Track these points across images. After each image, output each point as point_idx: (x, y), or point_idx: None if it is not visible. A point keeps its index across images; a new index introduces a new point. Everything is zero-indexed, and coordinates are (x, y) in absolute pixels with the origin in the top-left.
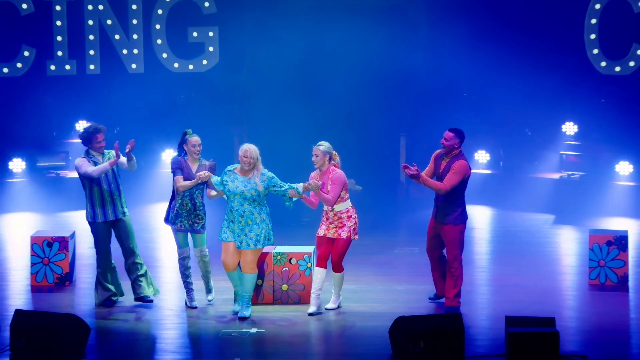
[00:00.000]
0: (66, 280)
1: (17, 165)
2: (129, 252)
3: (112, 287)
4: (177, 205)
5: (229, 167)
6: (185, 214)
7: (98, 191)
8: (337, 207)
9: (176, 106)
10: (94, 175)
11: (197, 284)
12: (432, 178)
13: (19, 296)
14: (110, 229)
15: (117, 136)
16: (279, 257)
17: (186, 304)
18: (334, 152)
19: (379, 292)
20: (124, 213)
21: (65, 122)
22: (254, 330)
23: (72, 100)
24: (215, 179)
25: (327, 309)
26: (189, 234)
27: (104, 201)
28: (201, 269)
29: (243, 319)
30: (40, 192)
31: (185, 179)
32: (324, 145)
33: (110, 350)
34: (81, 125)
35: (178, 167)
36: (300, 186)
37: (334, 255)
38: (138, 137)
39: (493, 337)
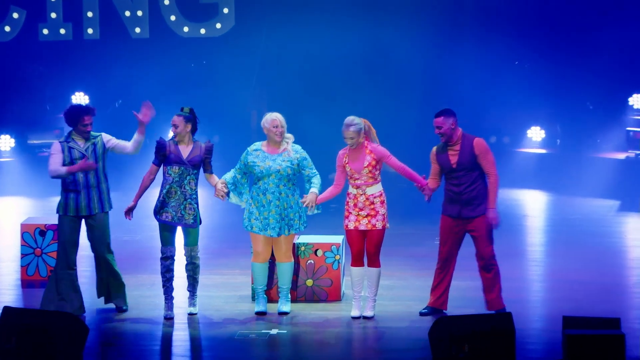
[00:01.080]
0: None
1: (5, 143)
2: (99, 258)
3: (64, 298)
4: (164, 192)
5: (253, 147)
6: (173, 204)
7: (71, 179)
8: (370, 190)
9: (186, 76)
10: (50, 174)
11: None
12: (440, 178)
13: (8, 292)
14: (79, 226)
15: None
16: (302, 248)
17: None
18: (363, 121)
19: (417, 288)
20: (101, 209)
21: (60, 94)
22: (274, 331)
23: (67, 69)
24: (228, 177)
25: (364, 317)
26: (178, 230)
27: (77, 192)
28: (188, 274)
29: (283, 314)
30: (32, 174)
31: (172, 162)
32: (355, 125)
33: (111, 354)
34: (78, 97)
35: (158, 152)
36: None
37: (370, 248)
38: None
39: (548, 340)
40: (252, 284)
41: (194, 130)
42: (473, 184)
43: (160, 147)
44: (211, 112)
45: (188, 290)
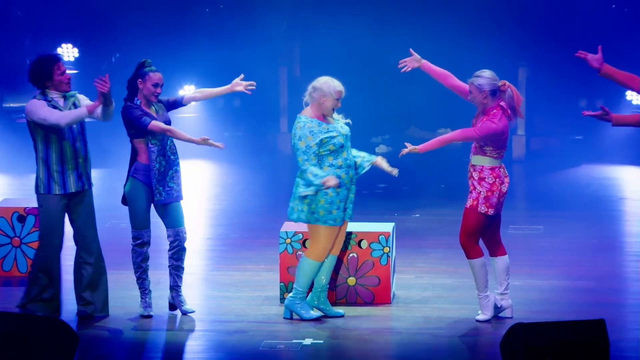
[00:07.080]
0: None
1: None
2: (86, 242)
3: (52, 295)
4: (157, 166)
5: (303, 121)
6: (160, 178)
7: (58, 150)
8: (474, 159)
9: (198, 24)
10: (61, 125)
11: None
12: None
13: None
14: (65, 205)
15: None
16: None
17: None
18: (502, 82)
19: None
20: (90, 184)
21: (43, 45)
22: (307, 341)
23: (51, 16)
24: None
25: (477, 320)
26: (151, 207)
27: (66, 165)
28: (172, 265)
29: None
30: (8, 145)
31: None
32: (483, 77)
33: None
34: (65, 50)
35: (144, 113)
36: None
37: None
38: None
39: None
40: (300, 286)
41: None
42: None
43: (141, 109)
44: (228, 68)
45: (173, 287)
